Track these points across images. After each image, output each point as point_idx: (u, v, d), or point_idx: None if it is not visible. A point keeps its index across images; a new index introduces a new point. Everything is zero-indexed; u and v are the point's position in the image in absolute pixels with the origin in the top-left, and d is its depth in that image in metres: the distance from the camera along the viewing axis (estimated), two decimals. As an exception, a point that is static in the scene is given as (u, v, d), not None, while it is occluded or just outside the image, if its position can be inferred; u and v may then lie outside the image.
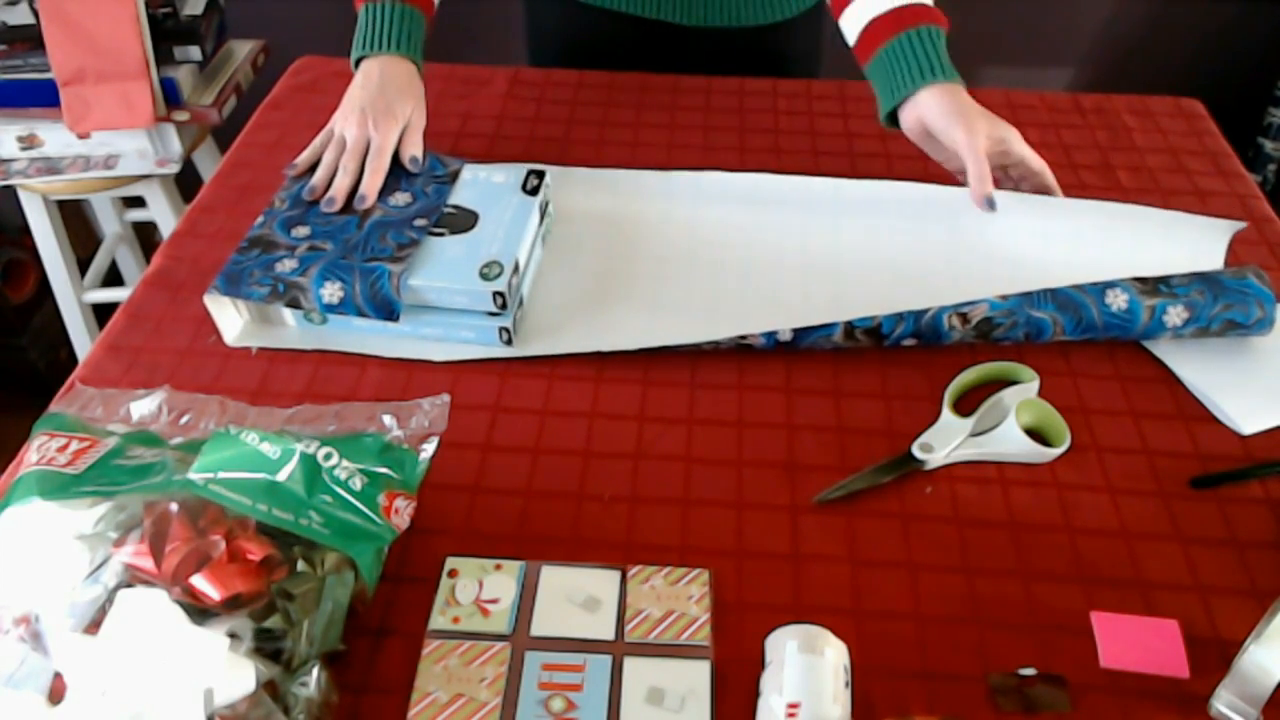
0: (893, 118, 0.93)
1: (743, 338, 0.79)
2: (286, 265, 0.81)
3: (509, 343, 0.81)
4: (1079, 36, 2.13)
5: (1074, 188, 1.01)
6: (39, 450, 0.65)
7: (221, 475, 0.61)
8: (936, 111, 0.88)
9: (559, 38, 1.23)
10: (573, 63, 1.18)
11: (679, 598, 0.64)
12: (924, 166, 1.03)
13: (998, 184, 0.90)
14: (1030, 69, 2.15)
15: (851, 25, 0.94)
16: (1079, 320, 0.80)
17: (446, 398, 0.77)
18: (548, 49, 1.25)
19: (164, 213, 1.69)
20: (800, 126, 1.08)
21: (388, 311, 0.79)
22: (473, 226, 0.84)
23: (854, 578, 0.67)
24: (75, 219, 2.00)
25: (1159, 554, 0.69)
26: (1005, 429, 0.74)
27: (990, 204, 0.88)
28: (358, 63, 0.96)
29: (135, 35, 1.49)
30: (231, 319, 0.82)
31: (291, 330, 0.83)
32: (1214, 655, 0.63)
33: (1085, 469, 0.74)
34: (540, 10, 1.24)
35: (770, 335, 0.79)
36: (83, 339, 1.85)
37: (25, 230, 1.75)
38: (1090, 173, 1.03)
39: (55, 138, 1.59)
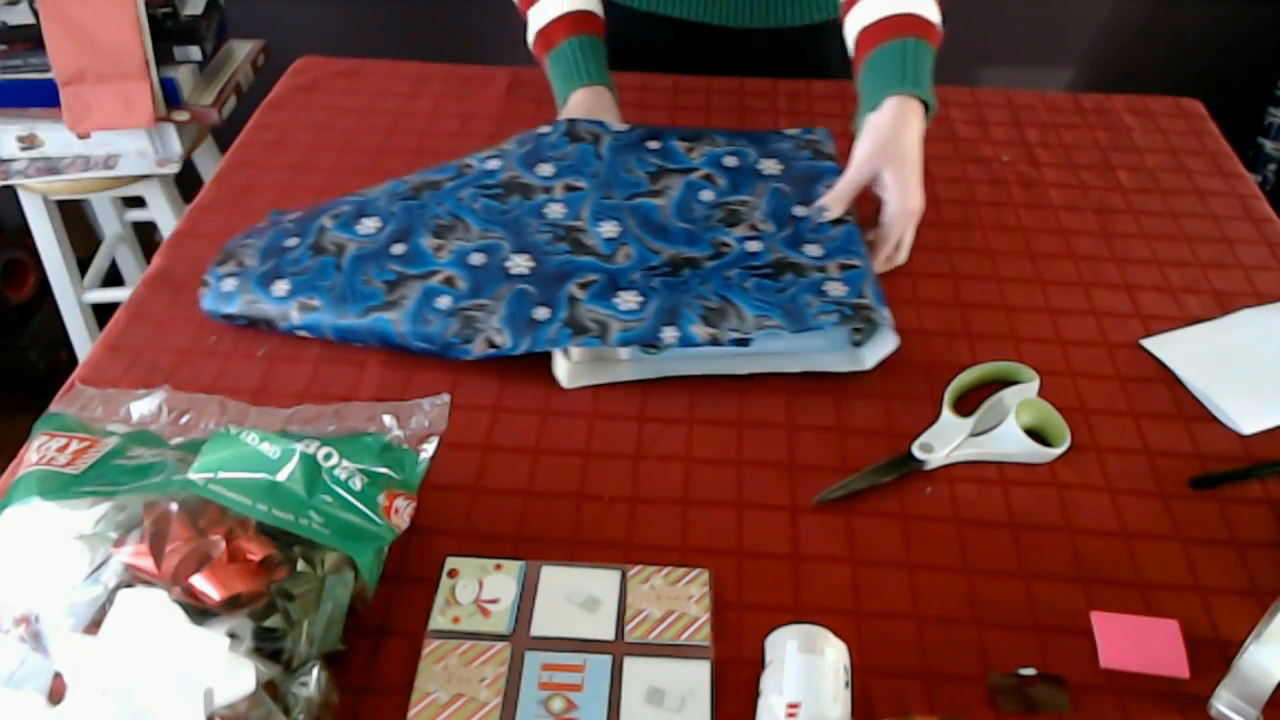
0: None
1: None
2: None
3: (858, 345, 0.80)
4: (1079, 36, 2.13)
5: (1074, 188, 1.01)
6: (39, 450, 0.65)
7: (221, 475, 0.61)
8: (867, 129, 0.87)
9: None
10: (616, 66, 1.17)
11: (679, 598, 0.64)
12: (925, 168, 1.02)
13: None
14: (1030, 69, 2.15)
15: (849, 35, 0.94)
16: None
17: (446, 398, 0.77)
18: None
19: (164, 213, 1.69)
20: (800, 127, 1.08)
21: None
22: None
23: (854, 578, 0.67)
24: (75, 219, 2.00)
25: (1159, 554, 0.69)
26: (1005, 429, 0.74)
27: (819, 213, 0.87)
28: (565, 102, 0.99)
29: (135, 35, 1.49)
30: (561, 362, 0.79)
31: (623, 363, 0.79)
32: (1214, 655, 0.63)
33: (1085, 469, 0.74)
34: None
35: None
36: (83, 339, 1.85)
37: (25, 230, 1.75)
38: (1090, 173, 1.03)
39: (55, 138, 1.59)
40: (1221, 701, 0.59)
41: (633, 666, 0.61)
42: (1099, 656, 0.63)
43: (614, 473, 0.73)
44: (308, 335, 0.81)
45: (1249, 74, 2.11)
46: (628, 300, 0.78)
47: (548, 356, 0.81)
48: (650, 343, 0.76)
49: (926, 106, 0.87)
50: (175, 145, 1.63)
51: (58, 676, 0.53)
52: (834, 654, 0.58)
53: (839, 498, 0.71)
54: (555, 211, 0.86)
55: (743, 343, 0.77)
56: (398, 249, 0.84)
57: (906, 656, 0.63)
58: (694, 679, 0.60)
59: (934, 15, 0.90)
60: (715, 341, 0.76)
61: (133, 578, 0.56)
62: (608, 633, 0.63)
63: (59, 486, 0.62)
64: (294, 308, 0.81)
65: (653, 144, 0.93)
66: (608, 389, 0.79)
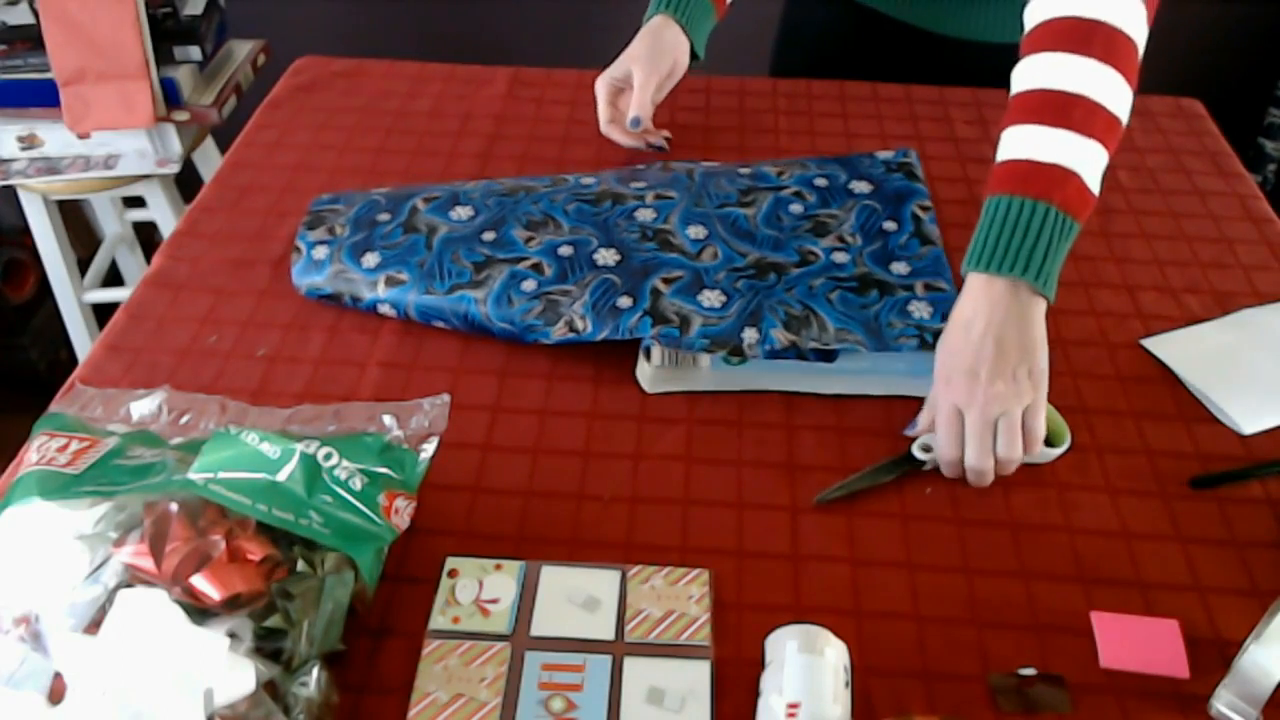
0: None
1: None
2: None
3: None
4: (1079, 36, 2.12)
5: (1074, 188, 1.01)
6: (39, 450, 0.65)
7: (221, 475, 0.61)
8: (953, 314, 0.72)
9: (807, 35, 1.21)
10: (819, 61, 1.17)
11: (679, 598, 0.64)
12: (924, 168, 1.03)
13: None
14: (1030, 69, 2.15)
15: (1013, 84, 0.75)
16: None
17: (446, 398, 0.77)
18: (796, 46, 1.22)
19: (164, 213, 1.69)
20: (800, 126, 1.08)
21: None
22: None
23: (854, 578, 0.67)
24: (75, 219, 2.00)
25: (1159, 554, 0.69)
26: (1005, 429, 0.74)
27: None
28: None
29: (135, 35, 1.49)
30: (643, 368, 0.79)
31: (704, 372, 0.79)
32: (1214, 655, 0.63)
33: (1085, 469, 0.74)
34: (797, 6, 1.22)
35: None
36: (83, 339, 1.85)
37: (25, 230, 1.75)
38: (1090, 173, 1.03)
39: (55, 138, 1.59)
40: (1221, 701, 0.59)
41: (633, 666, 0.61)
42: (1099, 656, 0.63)
43: (614, 473, 0.73)
44: (391, 312, 0.83)
45: (1249, 74, 2.11)
46: (711, 298, 0.79)
47: (558, 360, 0.81)
48: (730, 341, 0.77)
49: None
50: (175, 145, 1.63)
51: (58, 676, 0.53)
52: (834, 654, 0.58)
53: (839, 498, 0.71)
54: (645, 216, 0.88)
55: (826, 357, 0.77)
56: (488, 235, 0.86)
57: (906, 656, 0.63)
58: (694, 679, 0.60)
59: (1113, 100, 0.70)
60: (795, 348, 0.76)
61: (133, 578, 0.56)
62: (608, 633, 0.63)
63: (59, 486, 0.62)
64: (381, 280, 0.83)
65: (744, 169, 0.95)
66: (607, 389, 0.79)
